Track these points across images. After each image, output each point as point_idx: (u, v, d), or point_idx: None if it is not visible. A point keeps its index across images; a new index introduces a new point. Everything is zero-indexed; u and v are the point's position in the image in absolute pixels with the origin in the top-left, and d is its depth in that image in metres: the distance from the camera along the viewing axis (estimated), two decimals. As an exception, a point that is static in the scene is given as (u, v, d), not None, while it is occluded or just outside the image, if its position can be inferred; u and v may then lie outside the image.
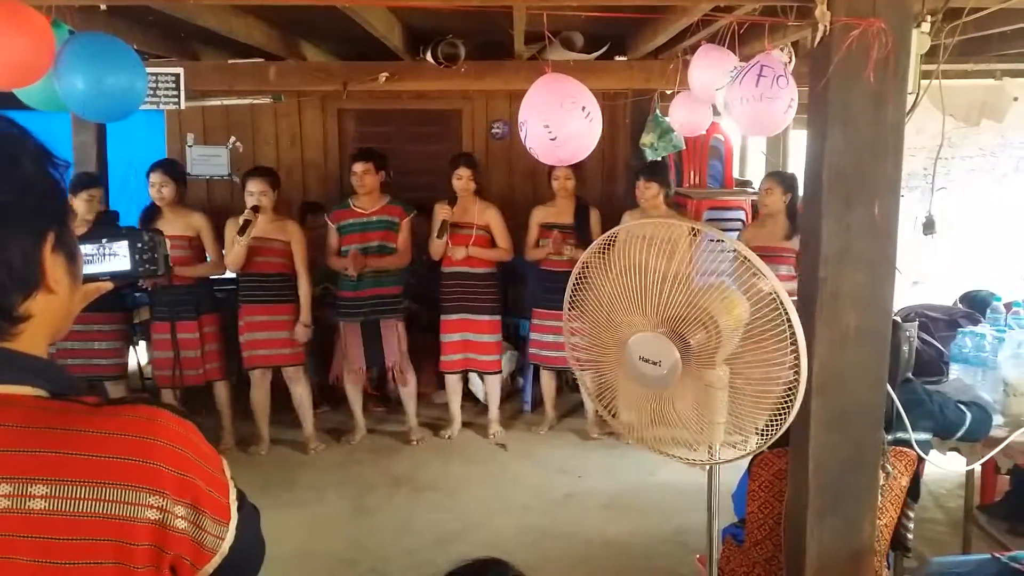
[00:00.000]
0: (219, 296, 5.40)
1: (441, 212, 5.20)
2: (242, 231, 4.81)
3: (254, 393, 5.27)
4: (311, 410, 5.38)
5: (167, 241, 1.32)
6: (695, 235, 2.13)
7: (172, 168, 5.14)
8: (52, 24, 2.86)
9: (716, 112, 4.33)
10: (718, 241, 2.10)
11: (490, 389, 5.61)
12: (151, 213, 5.03)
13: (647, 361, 2.18)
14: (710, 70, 3.79)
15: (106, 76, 2.92)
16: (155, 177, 4.97)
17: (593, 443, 5.49)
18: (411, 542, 4.17)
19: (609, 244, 2.29)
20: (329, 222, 5.30)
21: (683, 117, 4.61)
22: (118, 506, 0.93)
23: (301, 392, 5.29)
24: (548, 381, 5.64)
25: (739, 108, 3.01)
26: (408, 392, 5.49)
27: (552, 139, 2.95)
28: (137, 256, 1.24)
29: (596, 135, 3.08)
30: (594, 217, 5.38)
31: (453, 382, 5.58)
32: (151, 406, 1.00)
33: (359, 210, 5.23)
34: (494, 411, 5.64)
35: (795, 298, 2.66)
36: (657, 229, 2.17)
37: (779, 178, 5.14)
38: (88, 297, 1.15)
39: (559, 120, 2.95)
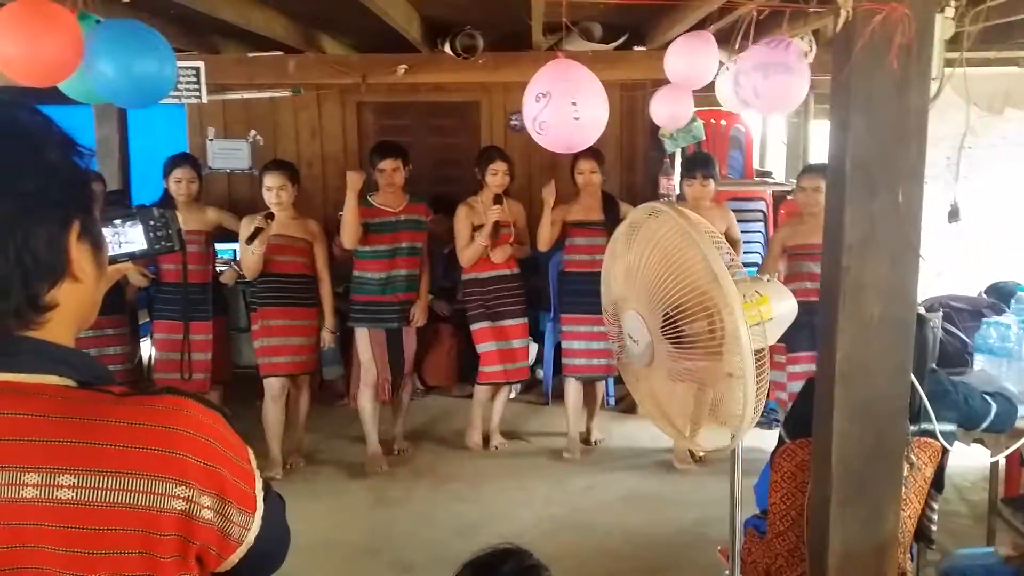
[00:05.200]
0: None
1: (492, 213, 4.86)
2: (251, 239, 4.48)
3: (267, 407, 4.85)
4: (306, 422, 5.10)
5: (179, 216, 1.31)
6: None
7: (197, 164, 4.98)
8: (80, 16, 2.88)
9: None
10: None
11: (501, 397, 5.31)
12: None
13: (632, 339, 2.22)
14: (688, 57, 3.68)
15: (136, 62, 2.94)
16: (182, 172, 4.77)
17: (613, 434, 5.47)
18: (433, 533, 4.18)
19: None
20: None
21: (665, 111, 4.39)
22: (144, 496, 0.93)
23: (304, 401, 5.01)
24: (575, 394, 5.19)
25: (751, 80, 2.94)
26: (407, 397, 5.23)
27: (576, 119, 2.77)
28: (152, 234, 1.23)
29: (603, 126, 2.99)
30: (625, 209, 4.98)
31: (486, 392, 5.26)
32: (177, 396, 1.00)
33: (385, 208, 4.86)
34: (496, 420, 5.33)
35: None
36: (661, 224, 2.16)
37: (825, 172, 4.78)
38: (110, 281, 1.15)
39: (587, 100, 2.79)
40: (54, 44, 2.76)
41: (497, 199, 4.92)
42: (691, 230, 2.01)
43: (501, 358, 5.11)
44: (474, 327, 5.14)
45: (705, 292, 2.01)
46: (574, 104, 2.76)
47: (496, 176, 4.94)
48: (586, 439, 5.35)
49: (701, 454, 4.94)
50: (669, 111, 4.36)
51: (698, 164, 4.92)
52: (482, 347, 5.13)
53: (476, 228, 4.97)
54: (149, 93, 3.08)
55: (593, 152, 4.80)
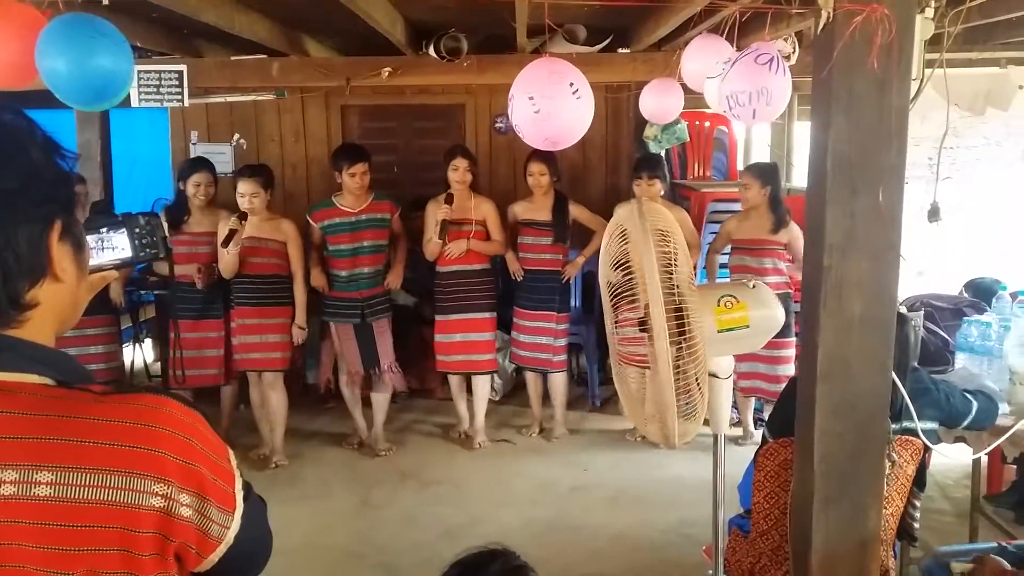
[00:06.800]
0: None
1: (440, 212, 4.97)
2: (226, 242, 4.62)
3: (253, 402, 5.16)
4: (284, 422, 5.12)
5: (164, 223, 1.31)
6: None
7: (214, 168, 5.12)
8: (58, 20, 2.84)
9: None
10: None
11: (479, 392, 5.35)
12: (179, 212, 4.97)
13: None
14: (703, 60, 3.75)
15: (89, 59, 2.76)
16: (201, 177, 4.95)
17: (599, 436, 5.49)
18: (418, 536, 4.18)
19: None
20: (311, 222, 5.08)
21: (653, 105, 4.59)
22: (123, 493, 0.93)
23: (277, 400, 5.05)
24: (532, 382, 5.47)
25: (752, 105, 3.00)
26: (386, 398, 5.27)
27: (536, 112, 2.82)
28: (137, 242, 1.23)
29: (586, 117, 2.96)
30: (574, 210, 5.21)
31: (457, 383, 5.42)
32: (158, 395, 1.00)
33: (346, 209, 5.02)
34: (480, 419, 5.38)
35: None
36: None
37: (755, 171, 5.11)
38: (94, 288, 1.16)
39: (543, 92, 2.83)
40: (19, 47, 2.70)
41: (449, 198, 5.03)
42: (640, 226, 1.99)
43: (448, 350, 5.28)
44: (437, 318, 5.32)
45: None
46: (531, 99, 2.82)
47: (456, 172, 5.09)
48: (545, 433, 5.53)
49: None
50: (657, 103, 4.53)
51: (644, 165, 5.16)
52: (439, 338, 5.31)
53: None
54: (103, 92, 2.89)
55: (543, 155, 4.93)
